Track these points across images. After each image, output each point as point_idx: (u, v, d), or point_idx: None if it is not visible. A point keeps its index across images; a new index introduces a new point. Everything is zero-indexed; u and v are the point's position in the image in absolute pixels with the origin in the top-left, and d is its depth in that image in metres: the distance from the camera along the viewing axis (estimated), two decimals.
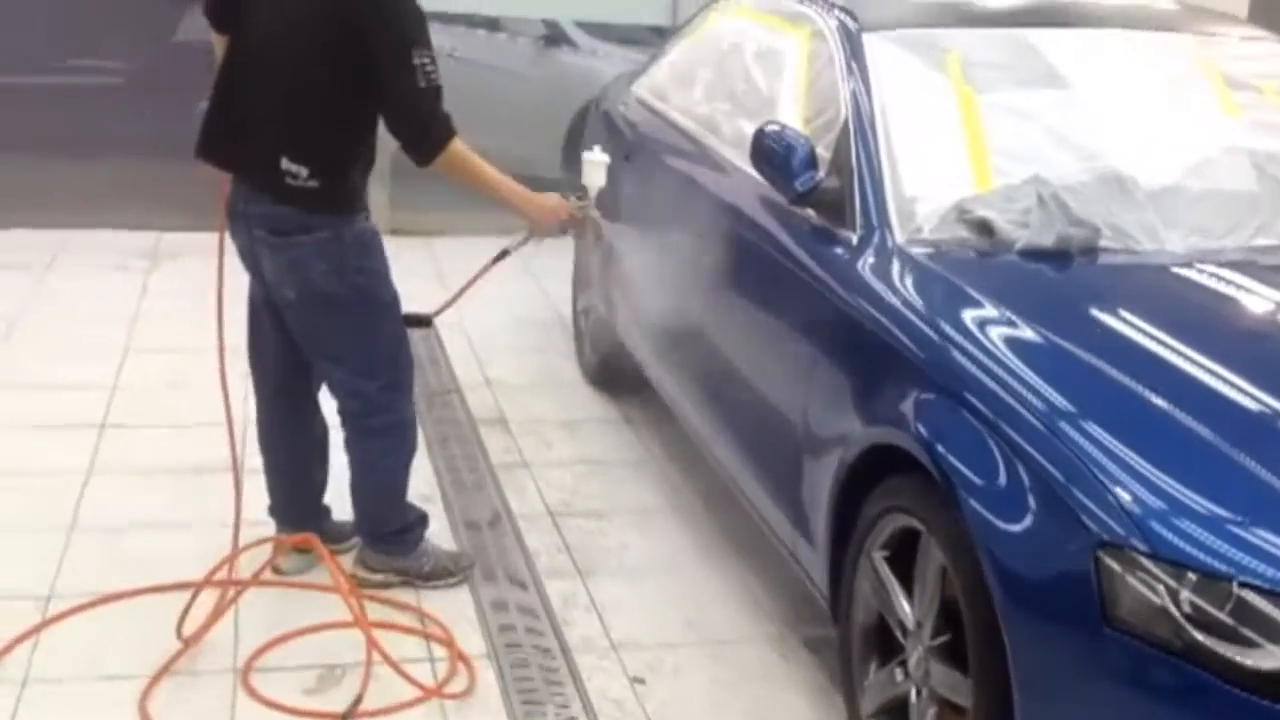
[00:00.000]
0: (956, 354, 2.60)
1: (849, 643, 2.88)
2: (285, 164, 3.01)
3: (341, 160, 3.10)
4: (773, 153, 3.27)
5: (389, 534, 3.47)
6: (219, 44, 3.23)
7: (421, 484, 3.93)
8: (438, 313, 3.62)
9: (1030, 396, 2.39)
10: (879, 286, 2.90)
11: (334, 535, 3.55)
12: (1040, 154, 3.17)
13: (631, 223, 4.47)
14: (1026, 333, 2.62)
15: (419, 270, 6.31)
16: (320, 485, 3.56)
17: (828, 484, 2.89)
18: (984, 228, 2.97)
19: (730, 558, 3.82)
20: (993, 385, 2.47)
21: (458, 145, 3.09)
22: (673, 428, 4.60)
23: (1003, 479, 2.33)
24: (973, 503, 2.35)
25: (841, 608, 2.91)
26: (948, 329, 2.66)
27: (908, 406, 2.63)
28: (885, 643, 2.80)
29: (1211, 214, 3.09)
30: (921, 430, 2.55)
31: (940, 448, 2.47)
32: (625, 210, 4.55)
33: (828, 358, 3.02)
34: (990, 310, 2.70)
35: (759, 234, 3.47)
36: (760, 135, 3.33)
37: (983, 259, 2.94)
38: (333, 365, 3.27)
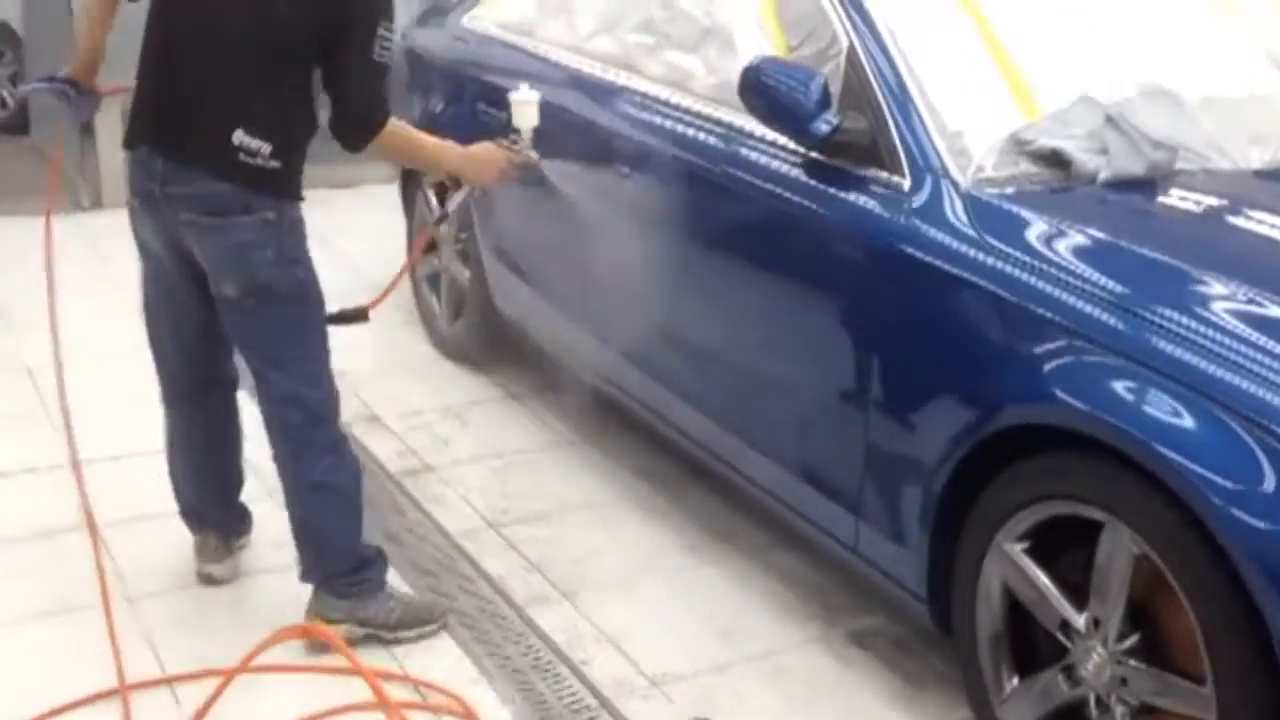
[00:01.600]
0: (1130, 314, 2.23)
1: (974, 650, 2.53)
2: (240, 138, 2.62)
3: (301, 136, 2.73)
4: (775, 92, 2.82)
5: (347, 573, 2.91)
6: (94, 12, 2.81)
7: None
8: (375, 304, 3.12)
9: (1254, 355, 2.07)
10: (970, 239, 2.50)
11: (247, 529, 3.26)
12: (1072, 70, 2.85)
13: (529, 185, 3.91)
14: (1197, 278, 2.30)
15: None
16: (241, 480, 3.19)
17: (931, 473, 2.51)
18: (1055, 159, 2.63)
19: (723, 551, 3.39)
20: (1197, 349, 2.13)
21: (391, 126, 2.78)
22: (564, 401, 4.19)
23: (1247, 462, 2.01)
24: (1213, 493, 2.02)
25: (957, 611, 2.55)
26: (1104, 283, 2.29)
27: (1066, 378, 2.26)
28: (1024, 646, 2.46)
29: (1260, 121, 2.85)
30: (1104, 405, 2.19)
31: (1143, 426, 2.12)
32: None
33: (898, 331, 2.62)
34: (1137, 255, 2.37)
35: (755, 191, 3.00)
36: (754, 72, 2.87)
37: (1068, 195, 2.59)
38: (269, 368, 2.81)
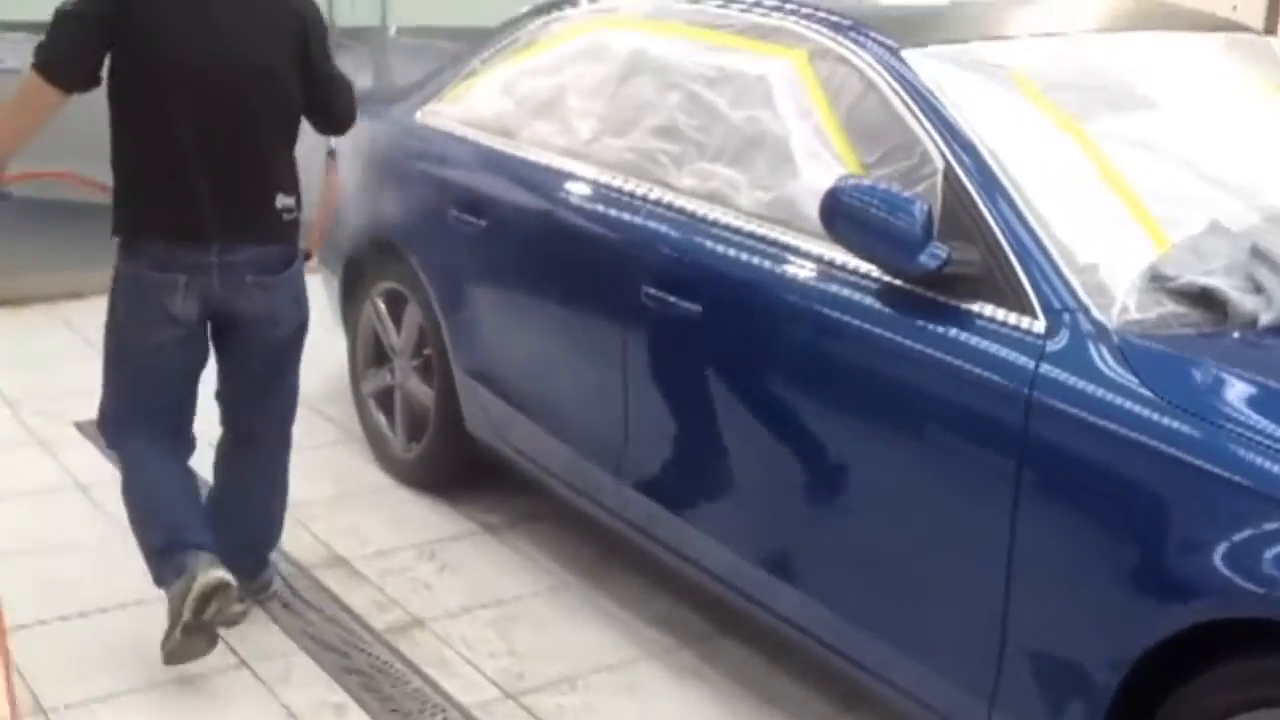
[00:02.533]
0: None
1: None
2: (280, 201, 2.95)
3: (299, 179, 3.05)
4: (871, 218, 2.51)
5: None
6: (41, 110, 2.82)
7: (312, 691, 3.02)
8: (314, 245, 3.52)
9: None
10: (1131, 392, 2.21)
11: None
12: (1187, 192, 2.62)
13: (521, 302, 3.54)
14: None
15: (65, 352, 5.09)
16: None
17: (1096, 669, 2.20)
18: (1203, 298, 2.37)
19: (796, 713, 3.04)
20: None
21: None
22: (548, 534, 3.85)
23: None
24: None
25: None
26: None
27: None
28: None
29: None
30: None
31: None
32: (500, 282, 3.62)
33: (1039, 497, 2.31)
34: None
35: (826, 322, 2.69)
36: (842, 195, 2.56)
37: (1226, 339, 2.33)
38: (289, 396, 3.25)
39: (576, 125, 3.48)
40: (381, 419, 4.29)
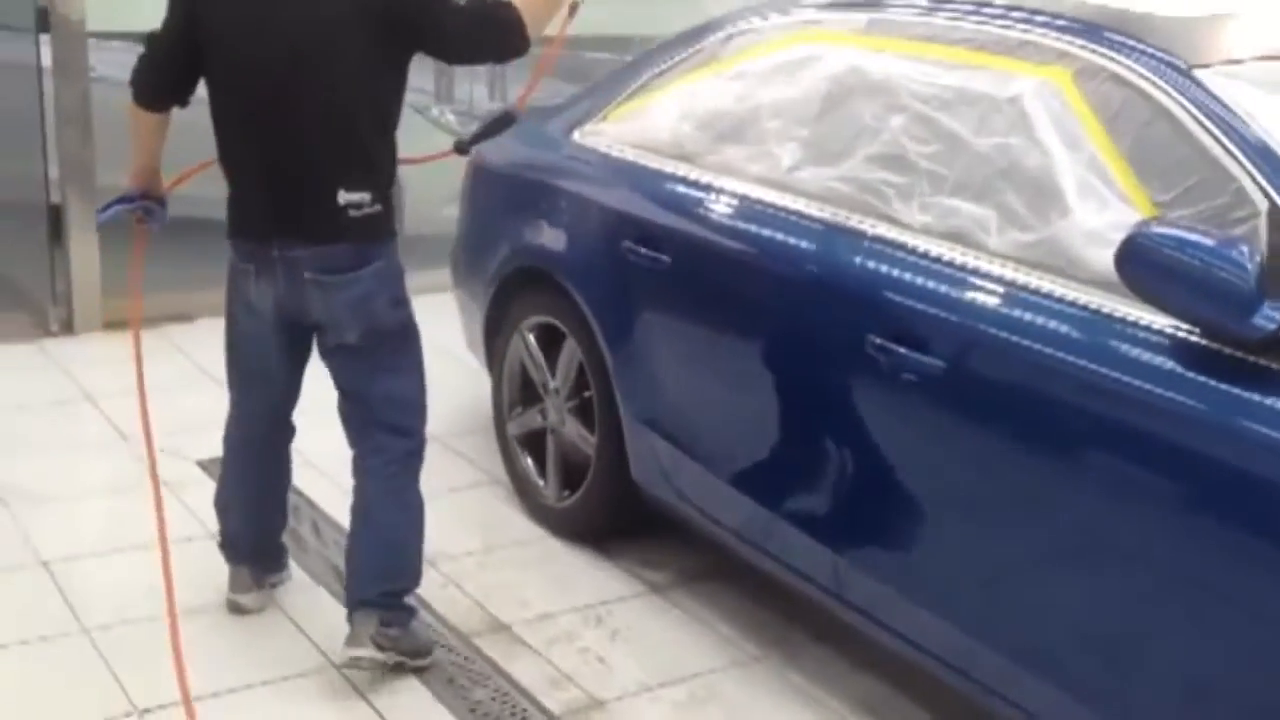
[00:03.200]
0: None
1: None
2: (344, 197, 2.80)
3: (390, 170, 2.89)
4: (1187, 269, 2.14)
5: (408, 592, 3.12)
6: (148, 128, 2.97)
7: None
8: (522, 100, 3.42)
9: None
10: None
11: (283, 567, 3.43)
12: None
13: (711, 346, 3.19)
14: None
15: (178, 380, 4.82)
16: (285, 522, 3.41)
17: None
18: None
19: None
20: None
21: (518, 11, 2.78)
22: (722, 596, 3.50)
23: None
24: None
25: None
26: None
27: None
28: None
29: None
30: None
31: None
32: (685, 323, 3.27)
33: None
34: None
35: (1128, 395, 2.30)
36: (1147, 242, 2.19)
37: None
38: (388, 406, 3.02)
39: (776, 151, 3.13)
40: (530, 464, 3.96)
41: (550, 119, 4.03)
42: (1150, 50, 2.51)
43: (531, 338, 3.89)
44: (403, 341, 2.98)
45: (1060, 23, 2.70)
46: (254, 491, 3.24)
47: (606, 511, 3.70)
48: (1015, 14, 2.79)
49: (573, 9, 3.03)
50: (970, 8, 2.92)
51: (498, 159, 4.09)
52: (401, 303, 2.96)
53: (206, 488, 3.95)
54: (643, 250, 3.35)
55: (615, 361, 3.47)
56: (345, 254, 2.84)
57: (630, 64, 3.82)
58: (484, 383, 4.81)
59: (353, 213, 2.79)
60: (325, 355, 3.00)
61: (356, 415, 3.02)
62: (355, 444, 3.05)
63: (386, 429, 3.01)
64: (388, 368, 2.97)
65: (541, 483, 3.89)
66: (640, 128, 3.57)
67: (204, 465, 4.11)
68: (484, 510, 4.00)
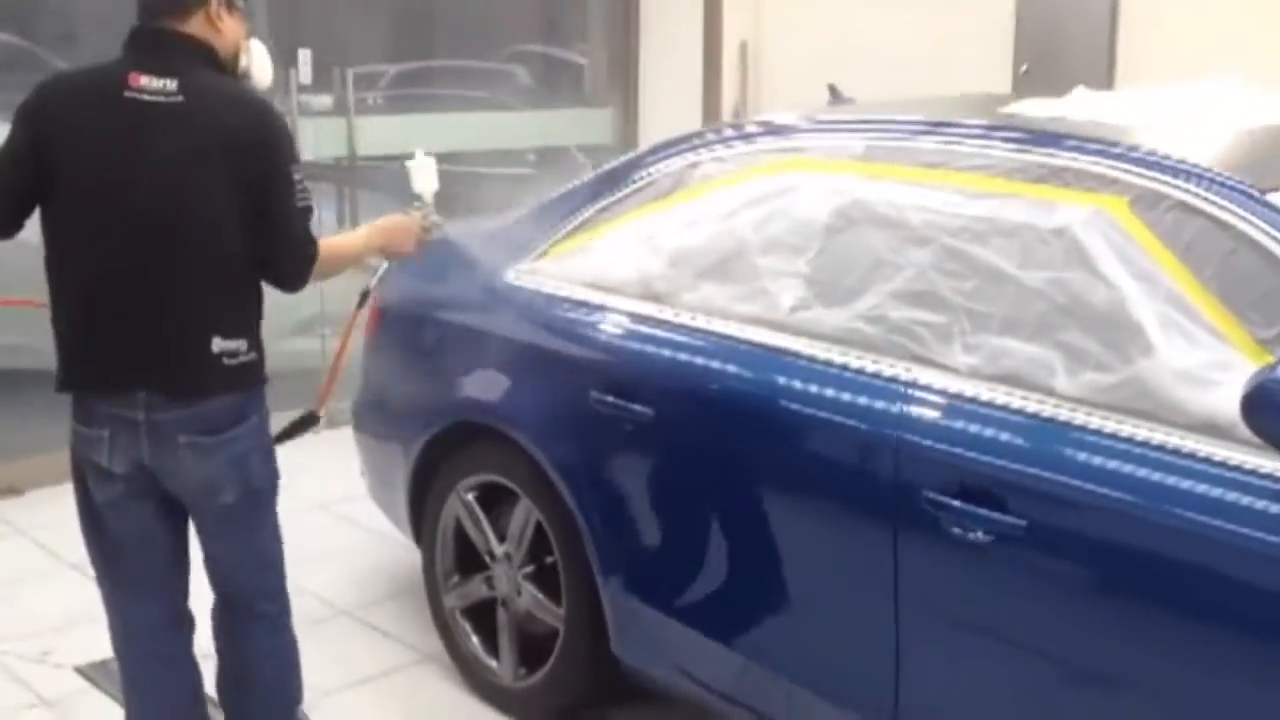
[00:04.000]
0: None
1: None
2: (219, 344, 2.58)
3: (259, 315, 2.69)
4: None
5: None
6: None
7: None
8: (321, 404, 3.03)
9: None
10: None
11: None
12: None
13: (718, 507, 2.89)
14: None
15: (24, 568, 4.34)
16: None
17: None
18: None
19: None
20: None
21: (319, 253, 2.68)
22: None
23: None
24: None
25: None
26: None
27: None
28: None
29: None
30: None
31: None
32: (682, 482, 2.97)
33: None
34: None
35: (1242, 544, 2.12)
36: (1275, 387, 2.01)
37: None
38: (262, 569, 2.83)
39: (771, 289, 2.87)
40: (475, 640, 3.56)
41: (465, 257, 3.71)
42: (1214, 175, 2.36)
43: (472, 499, 3.52)
44: (271, 497, 2.79)
45: (1095, 147, 2.54)
46: (170, 700, 2.87)
47: (577, 688, 3.34)
48: (1043, 140, 2.63)
49: (362, 299, 3.13)
50: (980, 131, 2.75)
51: (409, 301, 3.74)
52: (271, 455, 2.78)
53: (99, 703, 3.46)
54: (618, 401, 3.04)
55: (590, 525, 3.13)
56: (222, 410, 2.61)
57: (561, 197, 3.52)
58: (378, 540, 4.45)
59: (227, 361, 2.57)
60: (195, 516, 2.75)
61: (230, 581, 2.81)
62: (220, 594, 2.84)
63: (265, 594, 2.83)
64: (258, 525, 2.78)
65: (493, 661, 3.50)
66: (593, 265, 3.27)
67: (86, 673, 3.58)
68: (428, 695, 3.59)
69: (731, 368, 2.90)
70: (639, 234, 3.21)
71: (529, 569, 3.40)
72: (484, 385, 3.43)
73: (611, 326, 3.15)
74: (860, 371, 2.67)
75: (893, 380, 2.61)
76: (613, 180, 3.37)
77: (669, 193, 3.21)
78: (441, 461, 3.55)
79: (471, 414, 3.45)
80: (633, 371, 3.05)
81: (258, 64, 2.76)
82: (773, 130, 3.09)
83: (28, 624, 3.91)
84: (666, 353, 3.01)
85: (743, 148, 3.11)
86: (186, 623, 2.88)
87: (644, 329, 3.08)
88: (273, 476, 2.77)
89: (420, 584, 4.16)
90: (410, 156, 3.12)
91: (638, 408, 3.00)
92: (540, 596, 3.35)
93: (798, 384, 2.76)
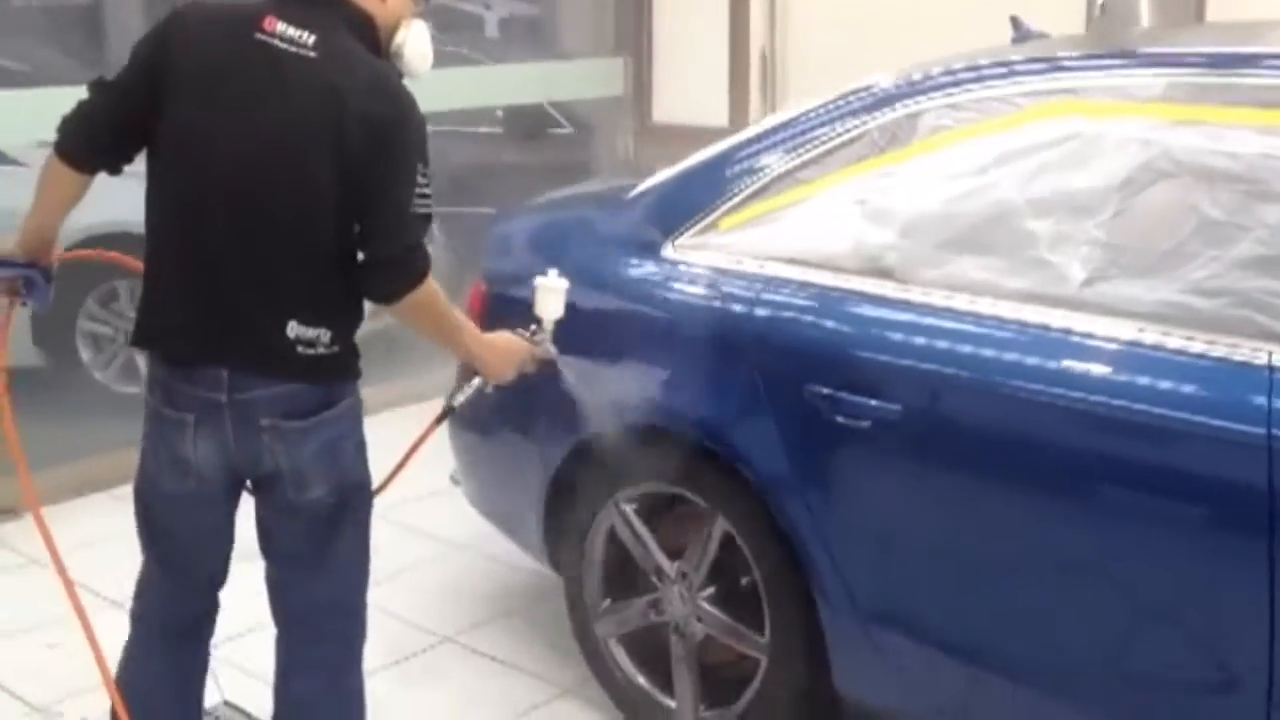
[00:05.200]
0: None
1: None
2: (295, 330, 2.29)
3: (355, 312, 2.38)
4: None
5: None
6: (61, 185, 2.38)
7: None
8: (379, 489, 2.54)
9: None
10: None
11: None
12: None
13: (1008, 520, 2.44)
14: None
15: (44, 608, 3.73)
16: None
17: None
18: None
19: None
20: None
21: (431, 283, 2.36)
22: None
23: None
24: None
25: None
26: None
27: None
28: None
29: None
30: None
31: None
32: (951, 492, 2.52)
33: None
34: None
35: None
36: None
37: None
38: (325, 578, 2.47)
39: (1053, 260, 2.42)
40: (637, 673, 3.09)
41: (585, 227, 3.21)
42: None
43: (632, 511, 3.03)
44: (363, 503, 2.48)
45: None
46: (168, 700, 2.57)
47: None
48: None
49: (444, 414, 2.71)
50: None
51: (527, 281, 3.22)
52: (364, 448, 2.47)
53: None
54: (851, 397, 2.57)
55: (811, 541, 2.67)
56: (304, 395, 2.34)
57: (717, 160, 3.03)
58: (457, 552, 4.01)
59: (303, 350, 2.30)
60: (274, 516, 2.43)
61: (298, 587, 2.49)
62: (284, 615, 2.52)
63: (320, 610, 2.49)
64: (350, 528, 2.45)
65: (667, 698, 3.03)
66: (788, 237, 2.79)
67: None
68: None
69: (1009, 355, 2.44)
70: (851, 199, 2.73)
71: (710, 591, 2.94)
72: (652, 380, 2.93)
73: (832, 309, 2.67)
74: (1202, 356, 2.24)
75: (1247, 365, 2.19)
76: (799, 137, 2.88)
77: (886, 148, 2.73)
78: (592, 469, 3.06)
79: (636, 415, 2.95)
80: (871, 362, 2.58)
81: (415, 47, 2.41)
82: (1027, 70, 2.63)
83: (60, 679, 3.33)
84: (918, 340, 2.54)
85: (988, 92, 2.63)
86: (214, 609, 2.61)
87: (881, 312, 2.61)
88: (365, 472, 2.45)
89: (528, 603, 3.71)
90: None
91: (880, 404, 2.54)
92: (731, 622, 2.89)
93: (1105, 372, 2.32)
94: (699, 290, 2.89)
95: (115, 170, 2.40)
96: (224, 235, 2.27)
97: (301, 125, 2.23)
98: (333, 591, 2.49)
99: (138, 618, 2.57)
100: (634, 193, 3.24)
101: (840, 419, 2.59)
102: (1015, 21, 3.25)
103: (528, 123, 6.85)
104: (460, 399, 2.67)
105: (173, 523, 2.47)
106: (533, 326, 2.66)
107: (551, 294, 2.66)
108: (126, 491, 2.52)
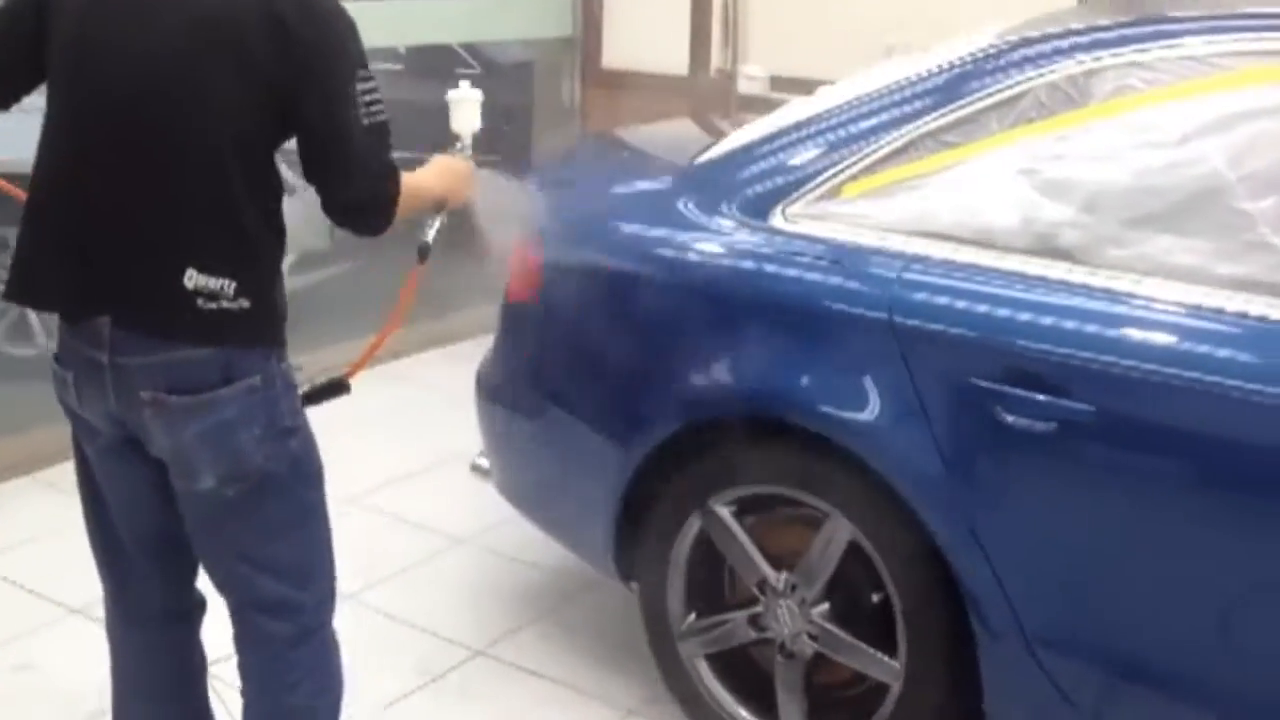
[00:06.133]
0: None
1: None
2: (194, 280, 1.96)
3: (272, 259, 2.05)
4: None
5: None
6: None
7: None
8: (352, 372, 2.37)
9: None
10: None
11: None
12: None
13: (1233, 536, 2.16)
14: None
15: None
16: None
17: None
18: None
19: None
20: None
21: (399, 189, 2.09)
22: None
23: None
24: None
25: None
26: None
27: None
28: None
29: None
30: None
31: None
32: (1152, 503, 2.23)
33: None
34: None
35: None
36: None
37: None
38: (252, 570, 2.16)
39: (1278, 243, 2.15)
40: (728, 698, 2.75)
41: (654, 192, 2.84)
42: None
43: (730, 516, 2.68)
44: (291, 488, 2.14)
45: None
46: (157, 696, 2.33)
47: None
48: None
49: (421, 255, 2.43)
50: None
51: (601, 254, 2.84)
52: (286, 433, 2.11)
53: None
54: (1031, 396, 2.26)
55: (973, 559, 2.36)
56: (196, 364, 2.00)
57: (842, 112, 2.67)
58: (453, 546, 3.73)
59: (204, 304, 1.97)
60: (181, 500, 2.14)
61: (225, 587, 2.22)
62: (233, 628, 2.25)
63: (264, 608, 2.19)
64: (269, 523, 2.14)
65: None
66: (932, 208, 2.45)
67: None
68: None
69: (1224, 352, 2.16)
70: (1015, 167, 2.40)
71: (824, 606, 2.61)
72: (763, 366, 2.58)
73: (1003, 293, 2.34)
74: None
75: None
76: (941, 93, 2.54)
77: (1056, 110, 2.40)
78: (687, 467, 2.70)
79: (743, 405, 2.60)
80: (1057, 356, 2.26)
81: None
82: (1238, 28, 2.32)
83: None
84: (1116, 331, 2.24)
85: (1186, 49, 2.32)
86: (195, 608, 2.35)
87: (1067, 298, 2.29)
88: (282, 459, 2.10)
89: (555, 606, 3.37)
90: None
91: (1069, 404, 2.23)
92: (854, 641, 2.57)
93: None
94: (824, 264, 2.53)
95: (4, 106, 2.11)
96: (112, 165, 1.97)
97: (201, 30, 1.93)
98: (261, 590, 2.18)
99: (108, 632, 2.32)
100: (713, 154, 2.87)
101: (1012, 419, 2.28)
102: None
103: (431, 61, 6.36)
104: (430, 235, 2.43)
105: (94, 484, 2.20)
106: (457, 145, 2.50)
107: (466, 105, 2.52)
108: (52, 475, 2.14)
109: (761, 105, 5.65)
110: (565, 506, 3.00)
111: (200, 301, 1.97)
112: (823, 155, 2.63)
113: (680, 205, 2.79)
